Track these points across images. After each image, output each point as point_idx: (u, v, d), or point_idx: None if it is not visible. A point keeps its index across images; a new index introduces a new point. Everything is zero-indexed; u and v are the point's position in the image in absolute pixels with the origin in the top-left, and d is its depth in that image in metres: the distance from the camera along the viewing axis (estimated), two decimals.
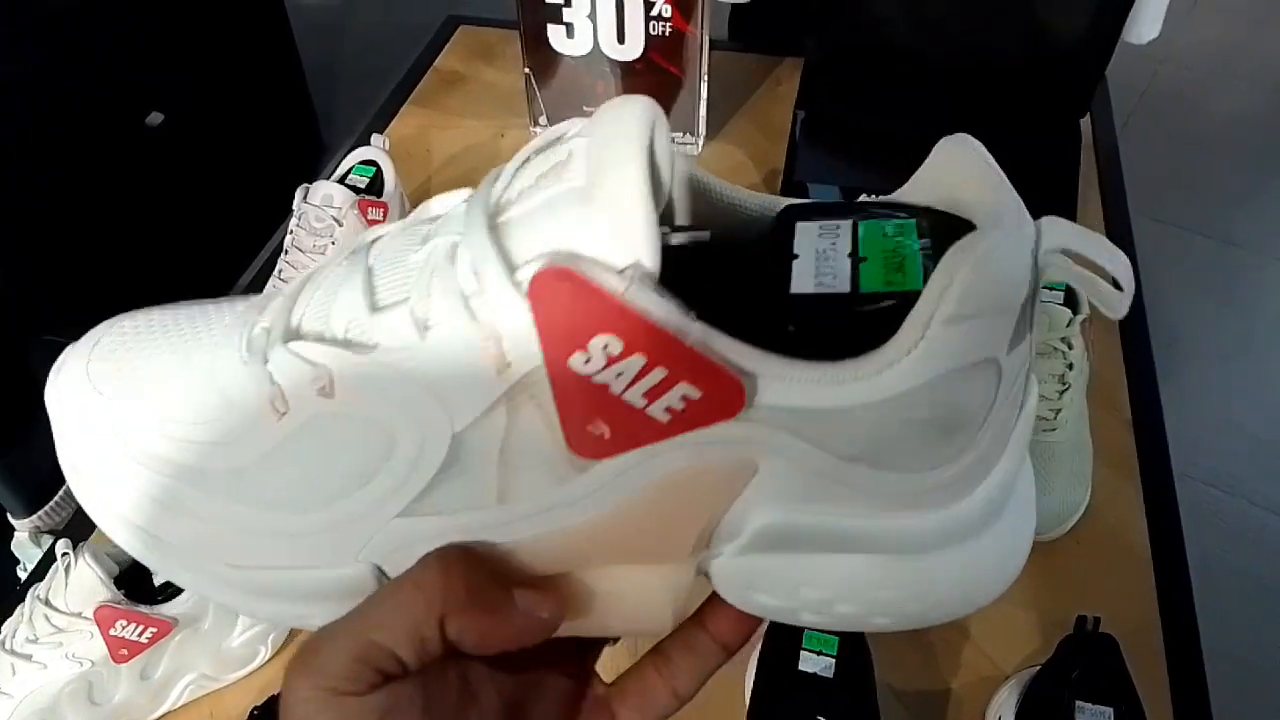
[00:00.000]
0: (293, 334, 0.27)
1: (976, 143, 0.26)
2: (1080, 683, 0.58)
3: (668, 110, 1.00)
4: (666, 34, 0.94)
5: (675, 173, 0.28)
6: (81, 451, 0.29)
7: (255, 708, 0.62)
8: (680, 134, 1.03)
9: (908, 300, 0.24)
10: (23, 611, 0.65)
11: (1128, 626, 0.63)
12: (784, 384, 0.24)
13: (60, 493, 1.32)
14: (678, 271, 0.24)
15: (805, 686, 0.59)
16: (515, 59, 1.01)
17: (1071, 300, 0.80)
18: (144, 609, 0.63)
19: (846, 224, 0.26)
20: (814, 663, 0.60)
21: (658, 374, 0.23)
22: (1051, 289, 0.82)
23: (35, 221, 1.49)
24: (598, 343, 0.23)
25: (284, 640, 0.71)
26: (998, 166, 0.25)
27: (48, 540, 1.25)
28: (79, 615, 0.62)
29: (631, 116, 0.25)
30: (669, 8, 0.92)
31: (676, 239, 0.28)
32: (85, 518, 0.84)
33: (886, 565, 0.27)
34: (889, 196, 0.28)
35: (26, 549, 1.30)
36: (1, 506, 1.33)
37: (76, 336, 0.31)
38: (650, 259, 0.23)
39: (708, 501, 0.26)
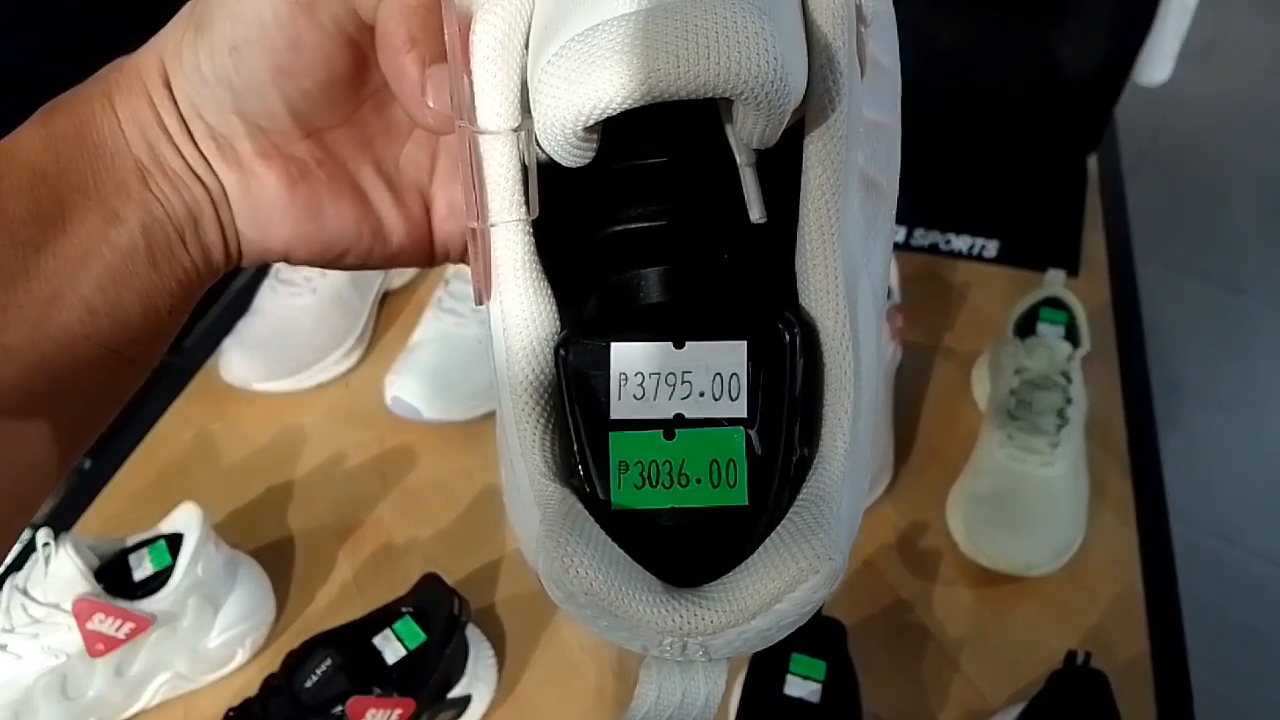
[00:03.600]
0: None
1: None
2: (1069, 718, 0.57)
3: None
4: None
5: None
6: None
7: (230, 709, 0.62)
8: None
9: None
10: None
11: (1118, 663, 0.63)
12: None
13: None
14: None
15: (790, 711, 0.58)
16: None
17: (1072, 334, 0.80)
18: (123, 604, 0.62)
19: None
20: (800, 687, 0.59)
21: None
22: (1052, 323, 0.81)
23: None
24: None
25: (262, 645, 0.70)
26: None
27: (27, 531, 1.24)
28: (56, 607, 0.61)
29: None
30: None
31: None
32: (67, 508, 0.82)
33: None
34: None
35: None
36: None
37: None
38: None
39: None
